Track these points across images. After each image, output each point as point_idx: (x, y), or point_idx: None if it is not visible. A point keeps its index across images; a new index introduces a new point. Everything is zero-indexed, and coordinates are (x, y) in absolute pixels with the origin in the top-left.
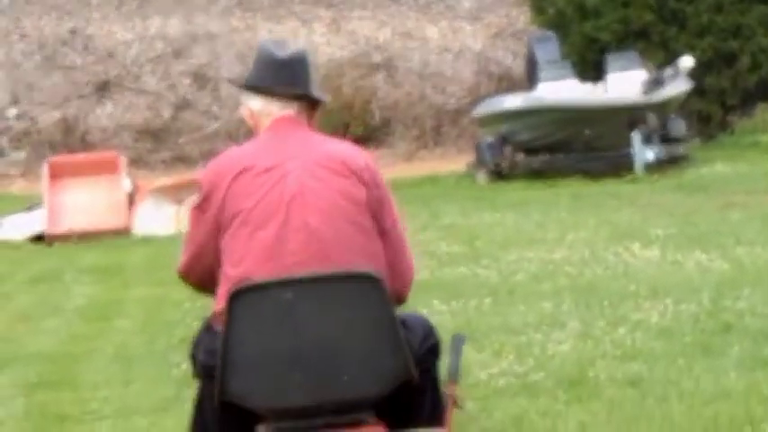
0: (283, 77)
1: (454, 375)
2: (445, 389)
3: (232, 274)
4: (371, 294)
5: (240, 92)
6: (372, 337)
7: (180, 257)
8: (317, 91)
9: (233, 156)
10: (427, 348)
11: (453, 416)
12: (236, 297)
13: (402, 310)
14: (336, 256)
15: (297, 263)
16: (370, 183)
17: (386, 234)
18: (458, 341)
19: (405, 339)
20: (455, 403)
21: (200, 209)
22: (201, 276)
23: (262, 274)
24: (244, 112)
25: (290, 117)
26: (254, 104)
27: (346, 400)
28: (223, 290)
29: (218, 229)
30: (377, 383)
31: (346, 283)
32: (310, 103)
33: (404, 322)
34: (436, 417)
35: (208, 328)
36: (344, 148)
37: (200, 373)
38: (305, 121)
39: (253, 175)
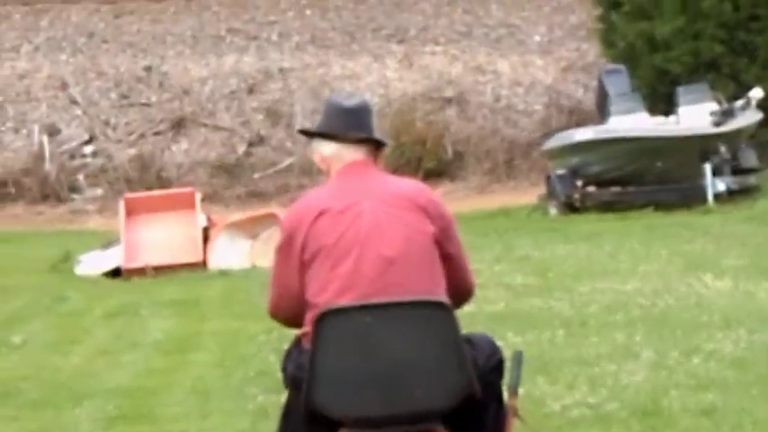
0: (352, 124)
1: (514, 388)
2: (506, 401)
3: (317, 301)
4: (440, 319)
5: (299, 132)
6: (440, 356)
7: (267, 298)
8: (380, 135)
9: (311, 200)
10: (491, 365)
11: (514, 426)
12: (321, 320)
13: (469, 330)
14: (408, 284)
15: (374, 290)
16: (434, 215)
17: (452, 258)
18: (517, 357)
19: (469, 357)
20: (515, 414)
21: (283, 250)
22: (288, 312)
23: (343, 301)
24: (316, 157)
25: (359, 161)
26: (326, 150)
27: (417, 412)
28: (309, 315)
29: (301, 267)
30: (444, 397)
31: (418, 309)
32: (375, 147)
33: (470, 341)
34: (499, 428)
35: (297, 345)
36: (410, 186)
37: (290, 384)
38: (372, 162)
39: (331, 216)
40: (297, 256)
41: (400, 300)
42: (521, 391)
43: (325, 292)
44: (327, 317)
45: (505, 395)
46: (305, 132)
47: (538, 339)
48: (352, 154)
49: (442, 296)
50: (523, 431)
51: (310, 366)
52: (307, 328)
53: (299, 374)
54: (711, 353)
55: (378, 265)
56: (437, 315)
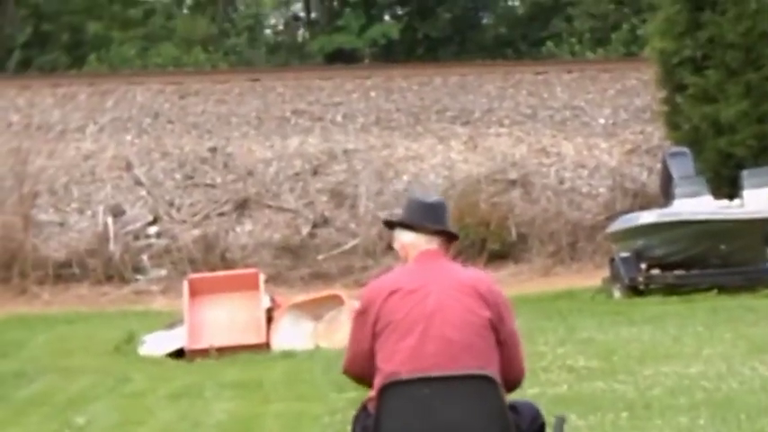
0: (430, 217)
1: None
2: None
3: (384, 368)
4: (489, 391)
5: (384, 223)
6: (488, 424)
7: (344, 357)
8: (453, 228)
9: (387, 279)
10: (534, 429)
11: None
12: (386, 389)
13: (514, 397)
14: (464, 361)
15: (434, 364)
16: (492, 303)
17: (505, 343)
18: (559, 421)
19: (513, 423)
20: None
21: (359, 319)
22: (360, 372)
23: (406, 371)
24: (396, 245)
25: (433, 250)
26: (406, 238)
27: None
28: (377, 381)
29: (373, 336)
30: None
31: (470, 382)
32: (448, 238)
33: (514, 407)
34: None
35: (364, 409)
36: (473, 275)
37: None
38: (444, 252)
39: (402, 295)
40: (370, 326)
41: (455, 374)
42: None
43: (392, 361)
44: (391, 387)
45: None
46: (388, 223)
47: (601, 422)
48: (427, 243)
49: (492, 372)
50: None
51: (375, 428)
52: (373, 393)
53: None
54: None
55: (439, 342)
56: (486, 387)
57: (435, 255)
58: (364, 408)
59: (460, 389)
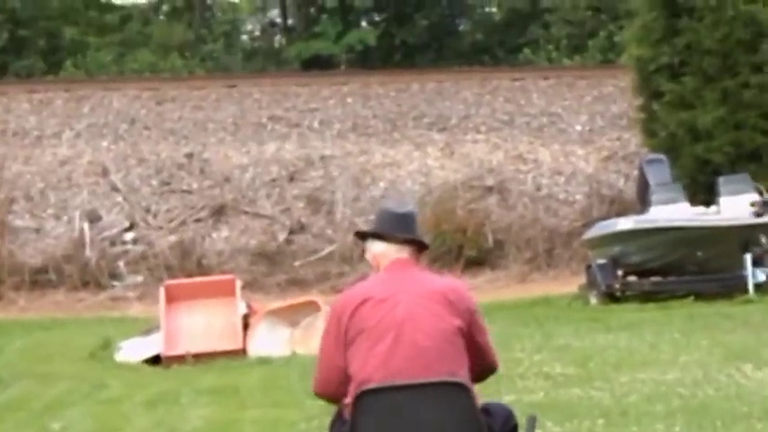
0: (400, 227)
1: None
2: None
3: (357, 376)
4: (460, 397)
5: (355, 235)
6: (461, 428)
7: (314, 377)
8: (423, 238)
9: (358, 288)
10: (506, 430)
11: None
12: (360, 397)
13: (487, 400)
14: (436, 367)
15: (406, 371)
16: (463, 310)
17: (479, 345)
18: (530, 421)
19: (486, 426)
20: None
21: (331, 328)
22: (332, 390)
23: (379, 378)
24: (368, 255)
25: (403, 259)
26: (377, 248)
27: None
28: (350, 388)
29: (344, 344)
30: None
31: (442, 389)
32: (418, 248)
33: (487, 410)
34: None
35: (340, 416)
36: (444, 283)
37: None
38: (414, 261)
39: (373, 303)
40: (342, 335)
41: (427, 381)
42: None
43: (364, 369)
44: (365, 395)
45: None
46: (360, 234)
47: (577, 429)
48: (398, 252)
49: (464, 377)
50: None
51: None
52: (348, 400)
53: None
54: None
55: (410, 349)
56: (458, 393)
57: (406, 264)
58: (340, 415)
59: (433, 395)
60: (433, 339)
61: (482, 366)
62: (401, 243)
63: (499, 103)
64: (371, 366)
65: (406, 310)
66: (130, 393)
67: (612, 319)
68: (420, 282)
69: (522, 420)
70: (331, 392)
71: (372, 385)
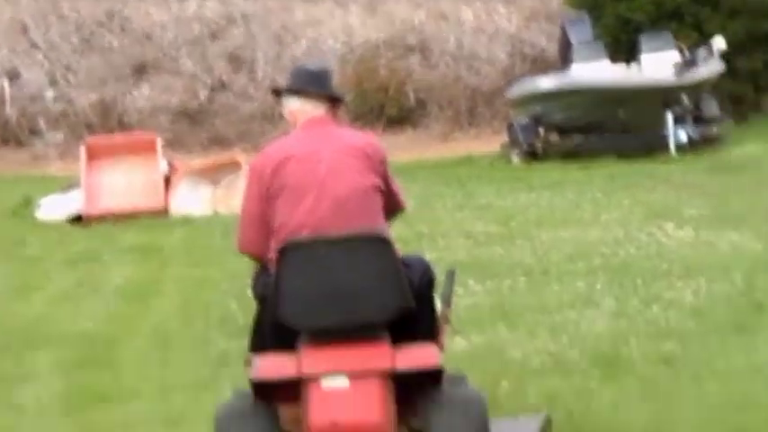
0: (315, 83)
1: (446, 301)
2: (439, 312)
3: (280, 231)
4: (381, 249)
5: (272, 92)
6: (381, 279)
7: (237, 235)
8: (338, 93)
9: (278, 146)
10: (425, 282)
11: (446, 332)
12: (284, 250)
13: (406, 253)
14: (357, 221)
15: (328, 225)
16: (378, 163)
17: (392, 192)
18: (450, 274)
19: (405, 278)
20: (446, 321)
21: (253, 186)
22: (255, 243)
23: (302, 232)
24: (285, 112)
25: (320, 116)
26: (293, 105)
27: (364, 323)
28: (274, 243)
29: (266, 201)
30: (385, 311)
31: (363, 242)
32: (334, 104)
33: (406, 263)
34: (433, 333)
35: (264, 268)
36: (361, 138)
37: (259, 299)
38: (331, 117)
39: (295, 161)
40: (264, 192)
41: (349, 234)
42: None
43: (288, 224)
44: (289, 248)
45: (439, 306)
46: (276, 90)
47: (499, 287)
48: (314, 109)
49: (384, 230)
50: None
51: (276, 287)
52: (272, 255)
53: (266, 292)
54: (671, 302)
55: (332, 204)
56: (379, 246)
57: (323, 121)
58: (264, 269)
59: (355, 248)
60: (355, 195)
61: (393, 208)
62: (316, 99)
63: None
64: (295, 221)
65: (328, 166)
66: (51, 251)
67: (534, 177)
68: (339, 138)
69: (441, 278)
70: (255, 249)
71: (296, 239)
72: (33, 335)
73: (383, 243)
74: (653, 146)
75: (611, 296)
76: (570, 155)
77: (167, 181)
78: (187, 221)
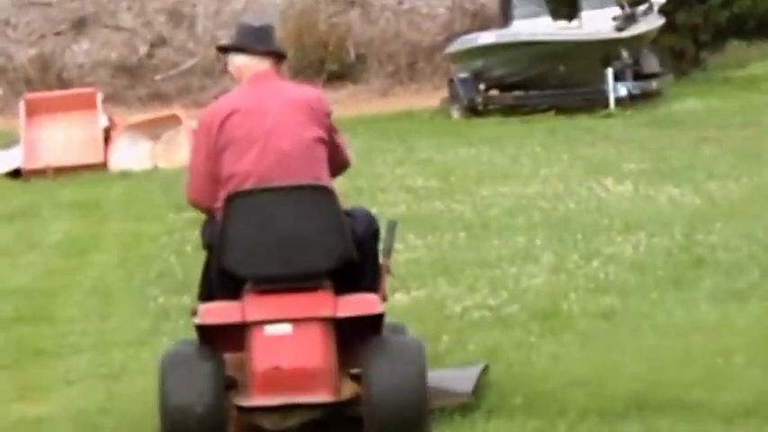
0: (259, 40)
1: (387, 252)
2: (381, 262)
3: (228, 182)
4: (325, 199)
5: (216, 49)
6: (325, 228)
7: (186, 187)
8: (281, 48)
9: (225, 101)
10: (369, 233)
11: (386, 282)
12: (230, 199)
13: (351, 205)
14: (301, 172)
15: (274, 175)
16: (323, 116)
17: (336, 145)
18: (391, 225)
19: (349, 228)
20: (388, 271)
21: (200, 139)
22: (204, 197)
23: (248, 183)
24: (230, 67)
25: (265, 71)
26: (239, 61)
27: (307, 272)
28: (222, 193)
29: (214, 153)
30: (329, 260)
31: (308, 192)
32: (278, 59)
33: (351, 214)
34: (374, 282)
35: (211, 217)
36: (305, 92)
37: (207, 247)
38: (275, 72)
39: (241, 115)
40: (212, 145)
41: (294, 184)
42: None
43: (235, 175)
44: (235, 197)
45: (381, 257)
46: (221, 48)
47: (439, 242)
48: (259, 65)
49: (327, 181)
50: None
51: (221, 236)
52: (219, 204)
53: (213, 241)
54: (611, 256)
55: (277, 156)
56: (322, 196)
57: (267, 75)
58: (212, 217)
59: (299, 198)
60: (299, 147)
61: (338, 163)
62: (261, 55)
63: None
64: (241, 172)
65: (274, 119)
66: None
67: (474, 133)
68: (283, 92)
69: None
70: (203, 200)
71: (242, 188)
72: None
73: (326, 193)
74: (593, 101)
75: (550, 251)
76: (510, 110)
77: (107, 136)
78: (126, 176)
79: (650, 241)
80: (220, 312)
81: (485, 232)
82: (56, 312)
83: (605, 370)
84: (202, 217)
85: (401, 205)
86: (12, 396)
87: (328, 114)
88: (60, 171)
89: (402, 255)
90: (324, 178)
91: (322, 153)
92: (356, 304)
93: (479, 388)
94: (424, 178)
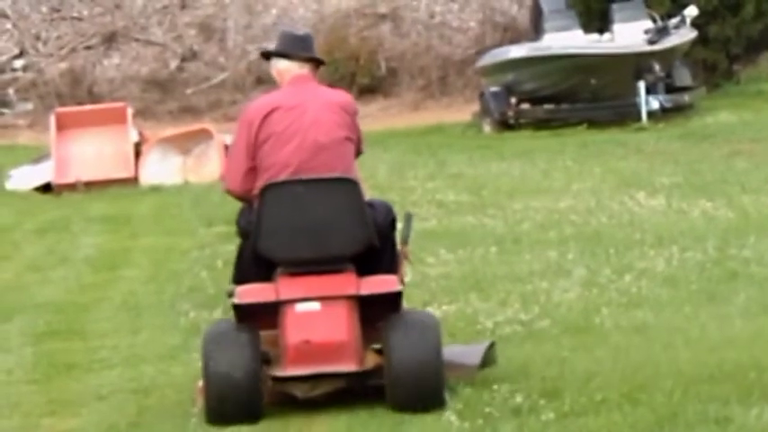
0: (300, 47)
1: (405, 240)
2: (399, 249)
3: (265, 173)
4: (351, 191)
5: (261, 55)
6: (350, 217)
7: (224, 176)
8: (320, 56)
9: (268, 98)
10: (387, 222)
11: (404, 266)
12: (267, 188)
13: (372, 197)
14: (333, 163)
15: (308, 168)
16: (352, 116)
17: (359, 140)
18: (408, 216)
19: (371, 217)
20: (405, 257)
21: (243, 131)
22: (240, 185)
23: (286, 172)
24: (273, 71)
25: (304, 74)
26: (281, 65)
27: (333, 255)
28: (259, 183)
29: (254, 146)
30: (352, 245)
31: (336, 183)
32: (316, 65)
33: (372, 204)
34: (393, 267)
35: (248, 207)
36: (339, 95)
37: (242, 234)
38: (313, 77)
39: (282, 111)
40: (252, 138)
41: (323, 176)
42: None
43: (275, 165)
44: (271, 187)
45: (399, 245)
46: (265, 54)
47: (470, 256)
48: (299, 69)
49: (353, 174)
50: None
51: (257, 222)
52: (256, 192)
53: (249, 227)
54: (643, 271)
55: (313, 149)
56: (349, 188)
57: (307, 78)
58: (249, 206)
59: (329, 189)
60: (332, 143)
61: (357, 153)
62: (302, 60)
63: None
64: (281, 162)
65: (312, 117)
66: (21, 221)
67: (506, 146)
68: (320, 93)
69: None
70: (239, 189)
71: (276, 179)
72: (2, 304)
73: (352, 185)
74: (625, 114)
75: (582, 265)
76: (542, 124)
77: (138, 150)
78: (157, 191)
79: (683, 255)
80: (256, 293)
81: (516, 247)
82: (86, 327)
83: (638, 385)
84: (233, 231)
85: (432, 220)
86: (43, 411)
87: (356, 114)
88: (91, 185)
89: (433, 269)
90: (351, 171)
91: (351, 149)
92: (377, 284)
93: (488, 363)
94: (455, 192)
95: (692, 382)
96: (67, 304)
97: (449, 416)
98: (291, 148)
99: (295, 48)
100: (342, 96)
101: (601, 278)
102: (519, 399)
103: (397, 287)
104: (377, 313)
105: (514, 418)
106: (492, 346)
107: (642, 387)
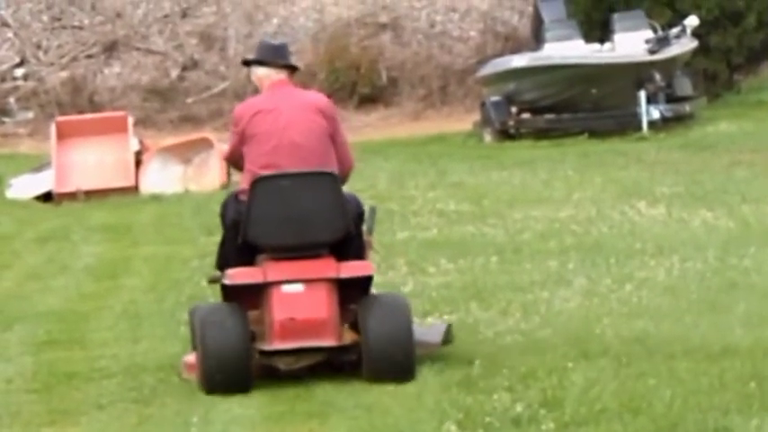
0: (278, 55)
1: (369, 230)
2: (365, 238)
3: (251, 168)
4: (330, 184)
5: (242, 62)
6: (330, 208)
7: (226, 152)
8: (295, 63)
9: (252, 102)
10: (357, 214)
11: (370, 254)
12: (255, 183)
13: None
14: (311, 160)
15: (288, 163)
16: (329, 117)
17: (338, 144)
18: (372, 210)
19: (349, 209)
20: (370, 246)
21: (237, 127)
22: (237, 160)
23: (268, 170)
24: (253, 77)
25: (282, 80)
26: (261, 72)
27: (314, 242)
28: (246, 177)
29: (242, 142)
30: (332, 234)
31: (316, 176)
32: (291, 71)
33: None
34: (360, 253)
35: (235, 198)
36: (315, 97)
37: (229, 225)
38: (289, 81)
39: (262, 114)
40: (241, 134)
41: (306, 171)
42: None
43: (257, 162)
44: (259, 181)
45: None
46: (246, 62)
47: (471, 266)
48: (277, 75)
49: (332, 168)
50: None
51: (247, 212)
52: (244, 186)
53: (238, 218)
54: (644, 280)
55: (291, 147)
56: (329, 181)
57: (283, 83)
58: (236, 197)
59: (312, 182)
60: (308, 139)
61: (342, 161)
62: (279, 67)
63: None
64: (262, 161)
65: (287, 117)
66: (21, 230)
67: (506, 156)
68: (296, 96)
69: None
70: (235, 162)
71: (264, 174)
72: (3, 313)
73: (332, 179)
74: (625, 124)
75: (583, 275)
76: (542, 133)
77: (138, 159)
78: (157, 199)
79: (684, 265)
80: (246, 275)
81: (517, 256)
82: (87, 336)
83: (638, 394)
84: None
85: (433, 229)
86: (43, 420)
87: (334, 116)
88: (91, 194)
89: (434, 279)
90: (330, 165)
91: (328, 144)
92: (355, 268)
93: (447, 341)
94: (455, 202)
95: (692, 392)
96: (68, 313)
97: (449, 426)
98: (269, 148)
99: (272, 56)
100: (317, 98)
101: (601, 288)
102: (519, 408)
103: (372, 271)
104: (350, 295)
105: (515, 428)
106: (449, 327)
107: (642, 397)
